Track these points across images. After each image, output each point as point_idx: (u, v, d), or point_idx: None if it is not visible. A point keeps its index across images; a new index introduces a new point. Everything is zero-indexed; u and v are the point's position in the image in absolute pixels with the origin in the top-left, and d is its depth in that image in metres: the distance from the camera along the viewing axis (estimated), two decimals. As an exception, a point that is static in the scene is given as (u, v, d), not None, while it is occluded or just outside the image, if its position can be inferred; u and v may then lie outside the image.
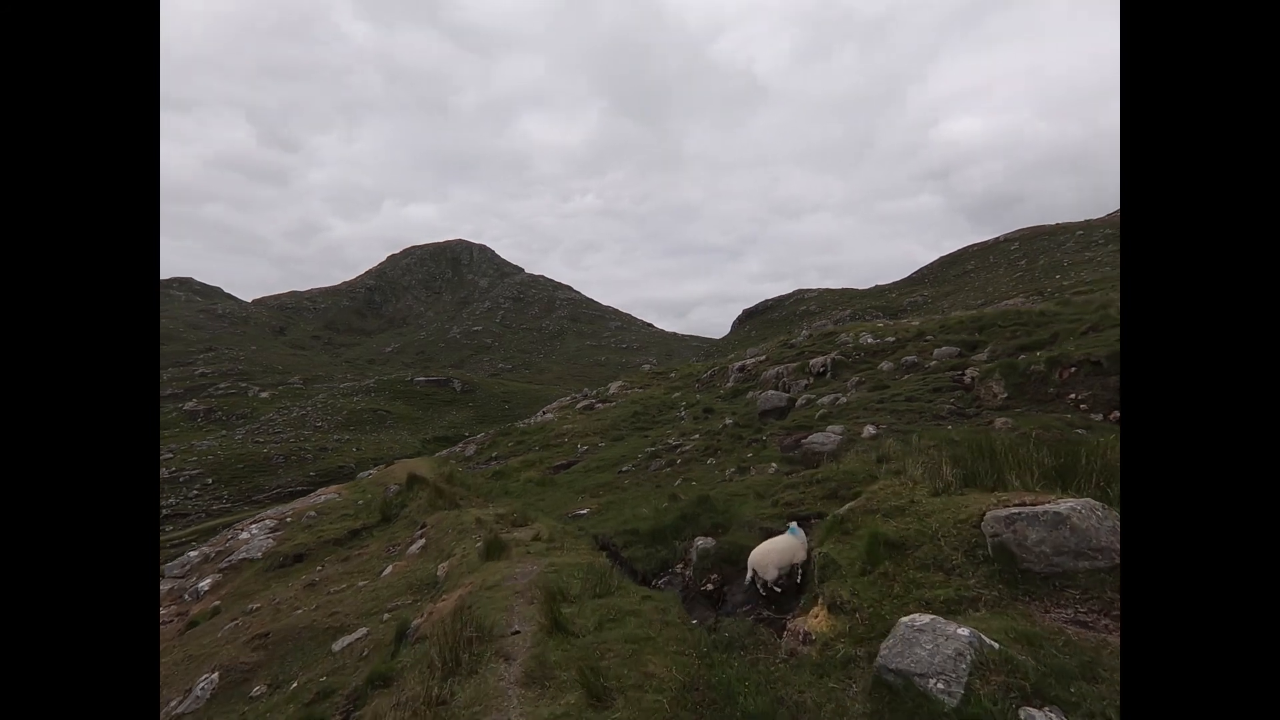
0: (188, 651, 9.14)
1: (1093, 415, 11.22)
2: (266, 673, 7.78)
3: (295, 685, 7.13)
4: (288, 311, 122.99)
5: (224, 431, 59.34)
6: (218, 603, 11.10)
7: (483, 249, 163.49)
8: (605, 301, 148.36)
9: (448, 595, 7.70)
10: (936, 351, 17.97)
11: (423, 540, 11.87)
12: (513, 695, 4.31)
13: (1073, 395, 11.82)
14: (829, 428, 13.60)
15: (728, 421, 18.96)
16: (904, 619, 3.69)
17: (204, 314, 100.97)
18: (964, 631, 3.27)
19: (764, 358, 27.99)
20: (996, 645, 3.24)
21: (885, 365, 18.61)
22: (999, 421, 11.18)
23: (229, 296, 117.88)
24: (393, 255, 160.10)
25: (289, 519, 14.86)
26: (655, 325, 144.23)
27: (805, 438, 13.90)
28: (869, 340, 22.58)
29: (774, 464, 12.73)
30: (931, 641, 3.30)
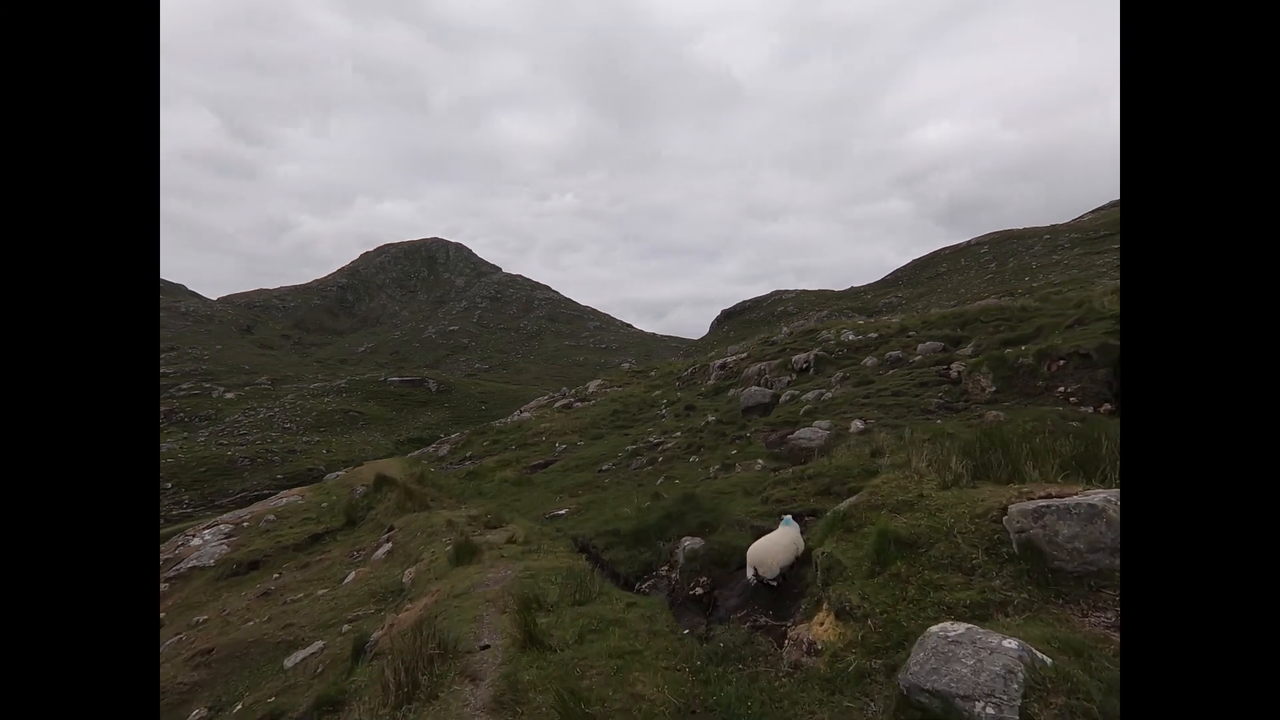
0: (123, 670, 8.29)
1: (1082, 408, 11.00)
2: (208, 693, 7.01)
3: (239, 708, 6.40)
4: (255, 310, 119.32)
5: (186, 434, 57.07)
6: (161, 615, 10.21)
7: (459, 247, 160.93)
8: (584, 302, 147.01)
9: (412, 604, 7.04)
10: (920, 347, 17.76)
11: (389, 544, 11.13)
12: (479, 723, 3.71)
13: (1062, 388, 11.60)
14: (815, 423, 13.21)
15: (710, 419, 18.50)
16: (934, 629, 3.20)
17: (166, 312, 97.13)
18: (1011, 644, 2.78)
19: (745, 355, 27.64)
20: (1049, 660, 2.76)
21: (869, 361, 18.35)
22: (990, 415, 10.88)
23: (192, 294, 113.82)
24: (366, 253, 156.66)
25: (245, 523, 13.93)
26: (634, 326, 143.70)
27: (791, 434, 13.49)
28: (850, 337, 22.36)
29: (760, 460, 12.28)
30: (972, 656, 2.81)
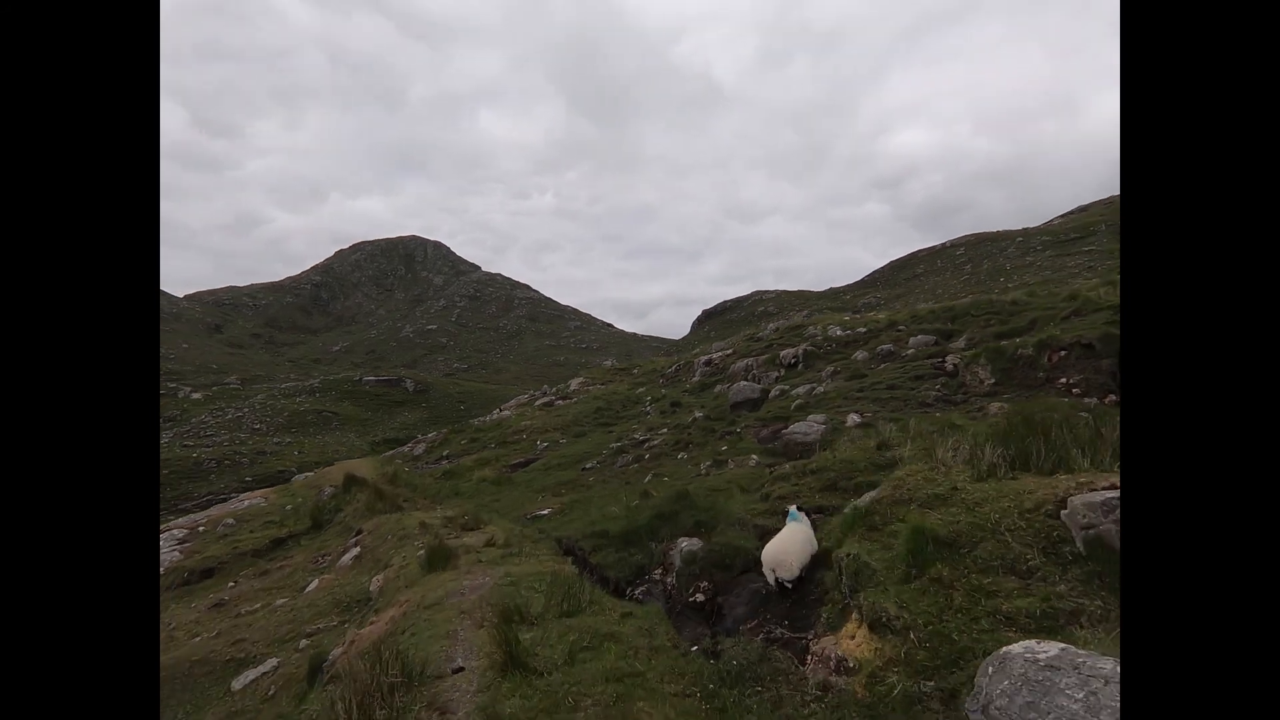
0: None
1: (1086, 399, 10.63)
2: (141, 722, 6.15)
3: (173, 740, 5.58)
4: (224, 308, 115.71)
5: (149, 435, 54.70)
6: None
7: (437, 246, 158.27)
8: (564, 301, 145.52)
9: (378, 616, 6.28)
10: (912, 340, 17.39)
11: (357, 549, 10.30)
12: (449, 769, 3.02)
13: (1064, 379, 11.24)
14: (809, 417, 12.68)
15: (697, 415, 17.91)
16: (1014, 649, 2.59)
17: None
18: (1129, 670, 2.17)
19: (730, 351, 27.16)
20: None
21: (860, 355, 17.94)
22: (993, 407, 10.45)
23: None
24: (341, 250, 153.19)
25: (202, 528, 12.92)
26: (615, 326, 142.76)
27: (784, 429, 12.95)
28: (838, 332, 21.98)
29: (754, 456, 11.71)
30: (1080, 686, 2.20)
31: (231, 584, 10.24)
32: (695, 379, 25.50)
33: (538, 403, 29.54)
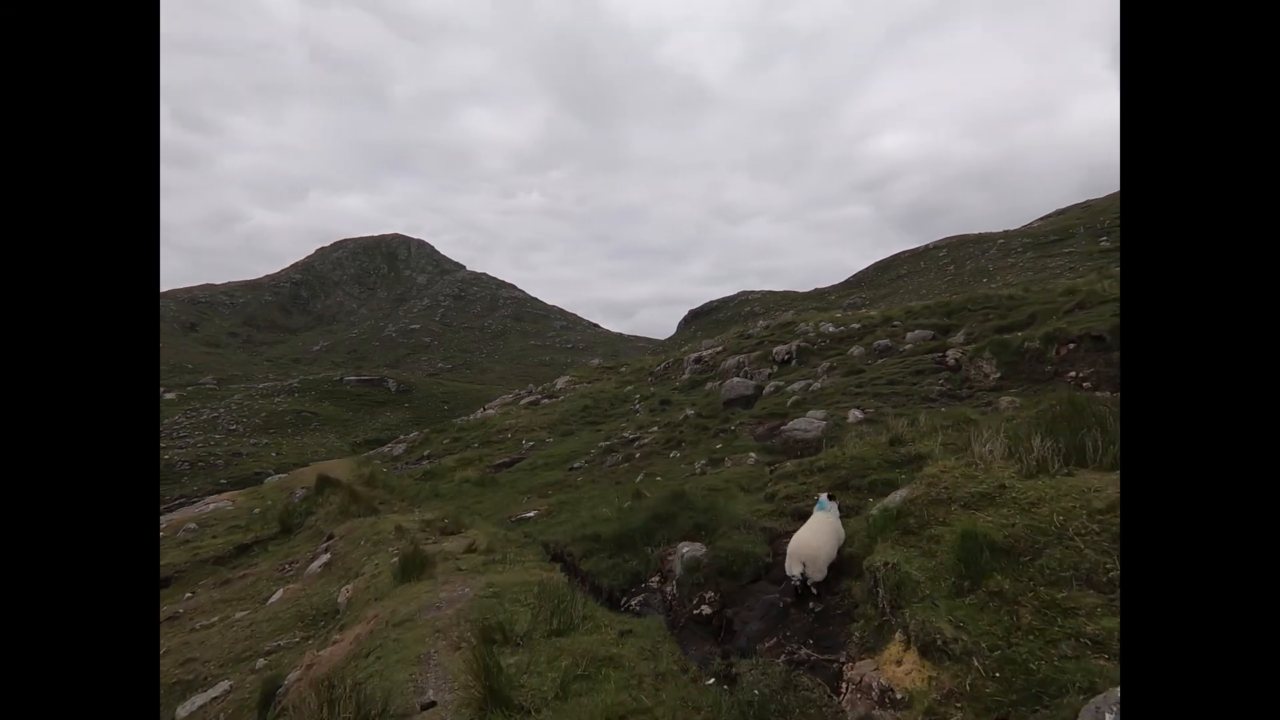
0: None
1: (1098, 393, 10.20)
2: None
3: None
4: (200, 306, 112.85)
5: (119, 437, 52.92)
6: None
7: (421, 244, 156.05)
8: (550, 301, 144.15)
9: (341, 635, 5.57)
10: (909, 335, 16.97)
11: (327, 555, 9.54)
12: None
13: (1073, 373, 10.81)
14: (809, 413, 12.14)
15: (689, 412, 17.31)
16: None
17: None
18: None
19: (720, 349, 26.63)
20: None
21: (856, 350, 17.47)
22: (1003, 401, 9.99)
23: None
24: (322, 248, 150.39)
25: (161, 533, 12.02)
26: (601, 325, 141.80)
27: (782, 425, 12.39)
28: (831, 328, 21.54)
29: (753, 454, 11.13)
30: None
31: (189, 595, 9.42)
32: (685, 376, 24.92)
33: (523, 402, 28.79)
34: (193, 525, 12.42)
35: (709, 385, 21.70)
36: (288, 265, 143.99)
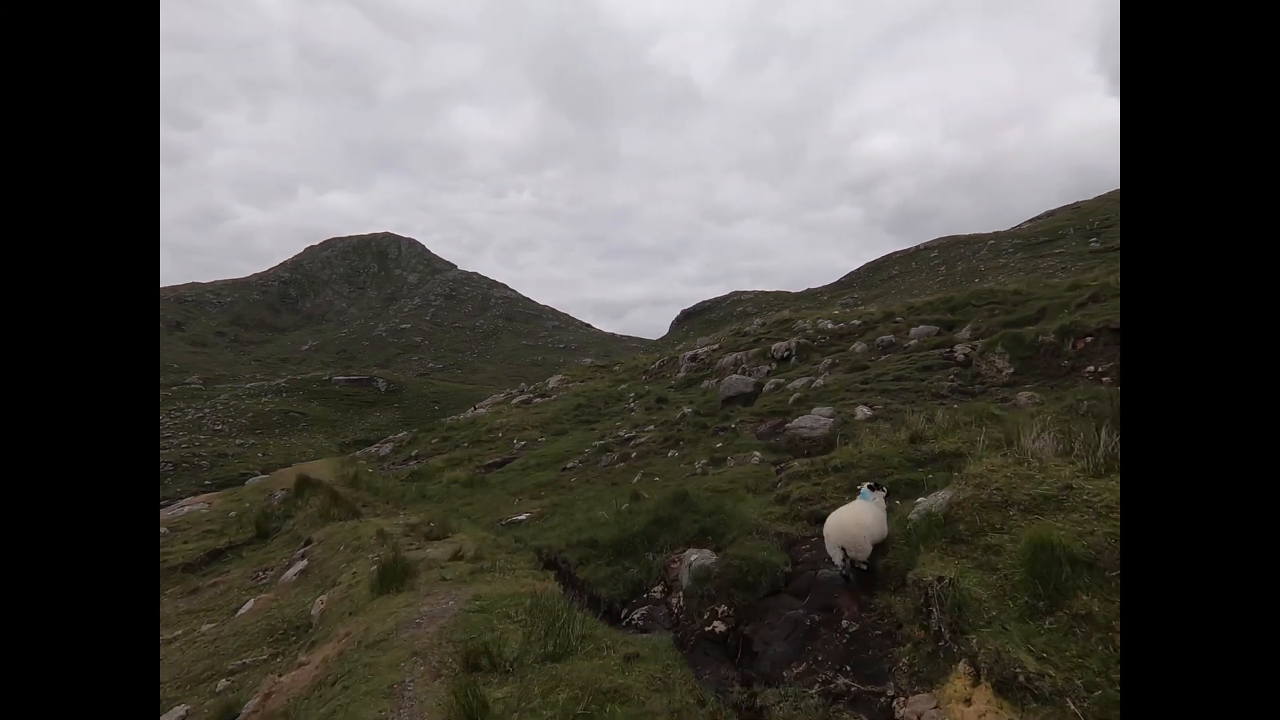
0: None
1: (1117, 389, 9.75)
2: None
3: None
4: (186, 305, 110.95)
5: (100, 437, 51.66)
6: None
7: (411, 243, 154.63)
8: (542, 301, 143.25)
9: (308, 656, 4.95)
10: (913, 331, 16.51)
11: (304, 562, 8.89)
12: None
13: (1091, 368, 10.35)
14: (815, 410, 11.60)
15: (686, 411, 16.75)
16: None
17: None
18: None
19: (716, 346, 26.12)
20: None
21: (858, 347, 16.99)
22: (1022, 396, 9.49)
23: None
24: (311, 247, 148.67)
25: (128, 539, 11.30)
26: (593, 325, 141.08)
27: (786, 423, 11.85)
28: (830, 325, 21.08)
29: (757, 453, 10.59)
30: None
31: (152, 606, 8.75)
32: (681, 375, 24.38)
33: (514, 400, 28.14)
34: (164, 530, 11.70)
35: (706, 383, 21.16)
36: (276, 264, 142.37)
